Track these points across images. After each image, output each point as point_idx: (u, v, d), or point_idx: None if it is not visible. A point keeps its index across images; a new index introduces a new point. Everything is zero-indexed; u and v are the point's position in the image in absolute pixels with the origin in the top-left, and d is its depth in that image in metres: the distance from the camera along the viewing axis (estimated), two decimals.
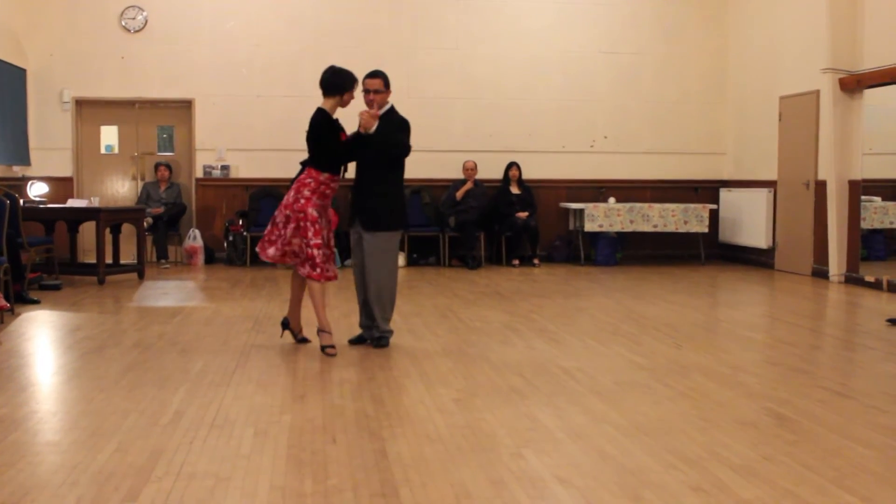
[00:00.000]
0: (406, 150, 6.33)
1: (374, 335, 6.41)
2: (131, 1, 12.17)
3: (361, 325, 6.49)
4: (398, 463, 3.82)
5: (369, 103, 6.21)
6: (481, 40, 12.57)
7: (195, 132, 12.38)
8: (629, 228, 12.17)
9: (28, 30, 11.92)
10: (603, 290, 9.80)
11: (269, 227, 6.30)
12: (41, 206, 10.47)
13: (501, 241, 12.35)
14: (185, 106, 12.41)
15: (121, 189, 12.59)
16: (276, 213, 6.28)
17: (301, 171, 6.27)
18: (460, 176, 12.26)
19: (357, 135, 6.24)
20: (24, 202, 9.89)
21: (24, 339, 6.80)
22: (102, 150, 12.59)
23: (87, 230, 10.89)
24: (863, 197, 10.57)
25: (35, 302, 8.38)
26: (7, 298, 7.59)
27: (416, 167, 12.27)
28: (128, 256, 11.35)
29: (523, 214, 12.09)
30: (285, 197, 6.20)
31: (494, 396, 5.02)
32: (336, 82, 6.23)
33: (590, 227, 12.07)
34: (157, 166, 12.14)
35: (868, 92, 10.30)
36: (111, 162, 12.60)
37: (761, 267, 12.02)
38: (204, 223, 12.39)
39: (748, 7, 12.59)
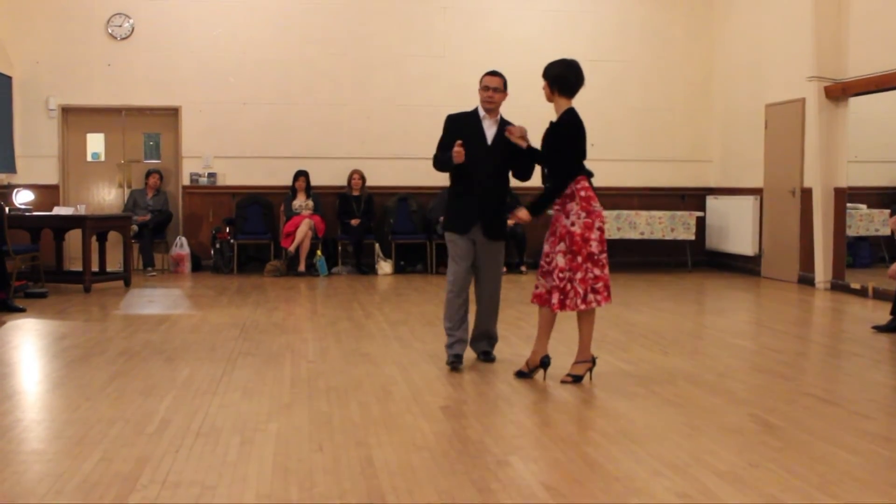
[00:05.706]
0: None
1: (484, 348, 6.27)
2: (118, 8, 12.16)
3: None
4: (385, 471, 3.81)
5: (489, 100, 6.18)
6: (469, 48, 12.57)
7: (182, 140, 12.36)
8: (616, 236, 12.19)
9: (14, 37, 11.89)
10: None
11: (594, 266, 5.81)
12: (27, 213, 10.44)
13: None
14: (172, 113, 12.40)
15: (107, 197, 12.56)
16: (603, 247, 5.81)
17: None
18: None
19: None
20: (9, 210, 9.86)
21: (9, 347, 6.76)
22: (89, 158, 12.57)
23: (74, 238, 10.84)
24: (848, 204, 10.63)
25: (21, 310, 8.33)
26: None
27: (403, 175, 12.42)
28: (114, 264, 11.33)
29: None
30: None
31: (481, 404, 5.03)
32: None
33: None
34: (149, 173, 12.10)
35: (853, 100, 10.37)
36: (97, 169, 12.57)
37: (748, 274, 12.07)
38: (191, 231, 12.36)
39: (734, 16, 12.66)
